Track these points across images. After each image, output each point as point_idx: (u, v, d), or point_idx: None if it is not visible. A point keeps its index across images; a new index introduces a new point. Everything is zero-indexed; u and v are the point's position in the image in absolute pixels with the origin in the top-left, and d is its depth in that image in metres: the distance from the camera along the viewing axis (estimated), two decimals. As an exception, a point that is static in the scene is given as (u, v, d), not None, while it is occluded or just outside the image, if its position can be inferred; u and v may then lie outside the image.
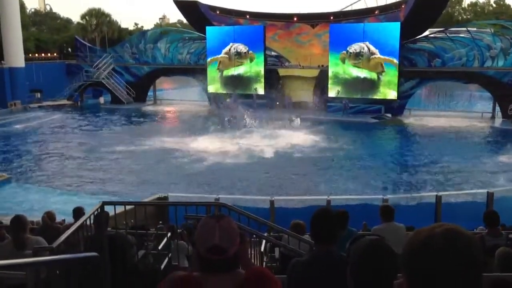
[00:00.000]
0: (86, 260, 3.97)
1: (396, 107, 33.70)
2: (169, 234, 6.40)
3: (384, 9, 35.99)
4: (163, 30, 45.81)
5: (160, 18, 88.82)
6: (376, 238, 1.95)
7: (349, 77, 34.01)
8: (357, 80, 33.75)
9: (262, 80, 36.68)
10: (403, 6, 34.14)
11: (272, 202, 14.24)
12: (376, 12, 35.75)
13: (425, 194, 15.32)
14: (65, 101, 40.87)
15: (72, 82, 41.76)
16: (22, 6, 44.97)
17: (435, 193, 13.74)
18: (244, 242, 2.23)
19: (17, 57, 39.08)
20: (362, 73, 33.57)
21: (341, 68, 34.10)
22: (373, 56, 32.96)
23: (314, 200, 15.13)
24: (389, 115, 33.49)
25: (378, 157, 22.98)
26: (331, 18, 36.46)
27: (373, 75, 33.36)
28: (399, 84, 33.22)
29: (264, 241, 6.21)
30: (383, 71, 33.02)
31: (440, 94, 40.11)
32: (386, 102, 33.63)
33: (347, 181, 19.33)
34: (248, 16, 38.68)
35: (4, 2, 38.10)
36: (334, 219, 2.94)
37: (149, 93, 43.48)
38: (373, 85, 33.53)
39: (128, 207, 6.27)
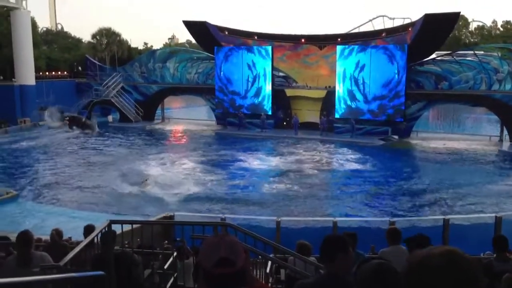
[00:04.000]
0: (93, 279, 3.99)
1: (403, 129, 33.69)
2: (175, 254, 6.41)
3: (391, 31, 36.23)
4: (172, 49, 46.37)
5: (169, 38, 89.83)
6: (382, 262, 1.96)
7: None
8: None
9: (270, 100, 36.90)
10: (410, 29, 34.38)
11: (278, 223, 14.21)
12: (383, 35, 36.00)
13: (433, 218, 15.24)
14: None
15: (81, 100, 42.18)
16: (34, 25, 45.65)
17: (442, 217, 13.66)
18: (247, 256, 2.21)
19: (28, 75, 39.64)
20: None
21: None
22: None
23: (320, 221, 15.11)
24: (396, 137, 33.47)
25: (384, 179, 22.92)
26: (339, 39, 36.74)
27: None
28: (406, 106, 33.30)
29: (269, 262, 6.19)
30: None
31: (447, 116, 40.10)
32: (393, 124, 33.66)
33: (352, 202, 19.28)
34: (256, 37, 39.06)
35: (17, 21, 38.81)
36: (342, 242, 2.95)
37: (157, 112, 43.80)
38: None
39: (135, 225, 6.28)
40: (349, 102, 34.56)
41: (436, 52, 35.73)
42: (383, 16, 40.76)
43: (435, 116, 41.91)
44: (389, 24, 38.96)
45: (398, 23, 37.68)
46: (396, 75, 33.07)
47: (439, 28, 31.32)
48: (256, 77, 37.12)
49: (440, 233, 12.67)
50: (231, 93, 38.07)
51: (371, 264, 1.91)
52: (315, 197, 20.16)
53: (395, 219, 14.13)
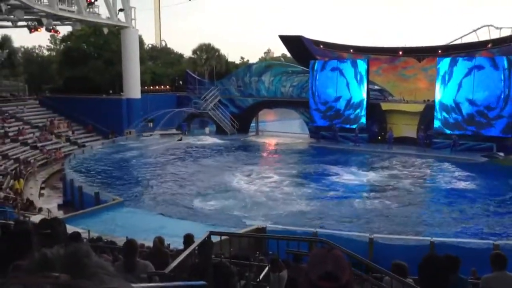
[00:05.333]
0: (195, 288, 4.21)
1: (510, 146, 31.36)
2: (268, 266, 6.54)
3: (497, 42, 34.05)
4: (267, 63, 47.33)
5: (265, 52, 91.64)
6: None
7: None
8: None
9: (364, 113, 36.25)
10: (519, 39, 32.13)
11: (371, 240, 13.90)
12: (489, 46, 33.95)
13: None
14: (174, 131, 43.38)
15: (181, 113, 44.34)
16: (141, 43, 48.95)
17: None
18: (351, 273, 2.26)
19: (134, 89, 42.48)
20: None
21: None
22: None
23: (416, 240, 14.55)
24: (502, 154, 31.21)
25: (488, 199, 21.50)
26: (439, 51, 35.25)
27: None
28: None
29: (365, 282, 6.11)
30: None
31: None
32: (498, 140, 31.47)
33: (452, 222, 18.31)
34: (351, 50, 38.68)
35: (126, 39, 41.80)
36: (445, 268, 2.87)
37: (251, 125, 44.79)
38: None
39: (224, 236, 6.49)
40: (449, 116, 32.91)
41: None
42: (488, 25, 38.37)
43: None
44: (495, 34, 36.59)
45: (505, 33, 35.25)
46: (503, 89, 30.98)
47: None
48: (351, 90, 36.65)
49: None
50: (325, 106, 37.92)
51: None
52: (410, 214, 19.44)
53: (499, 241, 13.22)
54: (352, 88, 36.51)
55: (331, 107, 37.65)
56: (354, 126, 36.29)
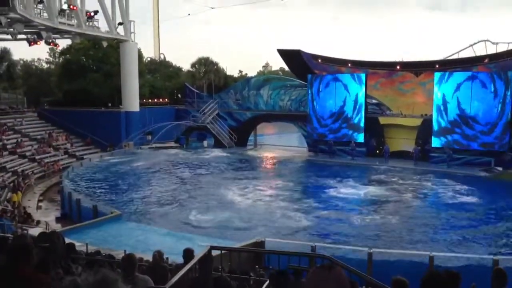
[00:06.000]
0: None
1: (507, 160, 31.45)
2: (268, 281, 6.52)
3: (495, 57, 34.27)
4: (266, 77, 47.55)
5: (263, 66, 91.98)
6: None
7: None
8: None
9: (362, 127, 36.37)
10: (516, 54, 32.36)
11: (370, 255, 13.88)
12: (486, 61, 34.17)
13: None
14: (172, 144, 43.42)
15: (180, 126, 44.44)
16: (140, 56, 49.14)
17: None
18: None
19: (133, 102, 42.61)
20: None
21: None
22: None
23: (415, 255, 14.51)
24: (500, 168, 31.28)
25: (488, 213, 21.51)
26: (437, 66, 35.49)
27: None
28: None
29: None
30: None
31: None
32: (496, 154, 31.58)
33: (450, 236, 18.28)
34: (350, 64, 38.91)
35: (125, 52, 41.98)
36: (446, 285, 2.87)
37: (250, 138, 44.86)
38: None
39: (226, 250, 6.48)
40: (447, 131, 33.03)
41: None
42: (485, 40, 38.65)
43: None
44: (492, 50, 36.84)
45: (502, 48, 35.48)
46: (500, 104, 31.17)
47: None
48: (348, 104, 36.82)
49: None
50: (323, 120, 38.04)
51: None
52: (408, 229, 19.41)
53: (499, 257, 13.21)
54: (350, 102, 36.67)
55: (328, 120, 37.75)
56: (351, 140, 36.37)
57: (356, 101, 36.42)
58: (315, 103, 38.33)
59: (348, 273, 5.40)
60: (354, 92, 36.51)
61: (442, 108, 33.10)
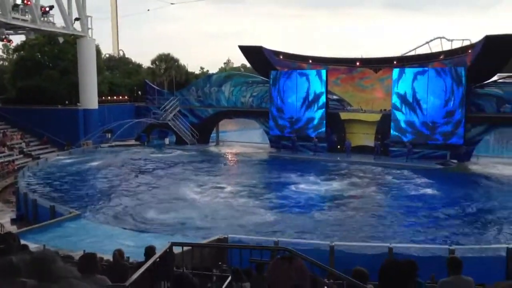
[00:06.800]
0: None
1: (462, 153, 32.56)
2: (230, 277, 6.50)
3: (449, 53, 35.36)
4: (227, 74, 47.41)
5: (224, 63, 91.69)
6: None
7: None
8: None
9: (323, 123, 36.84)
10: (469, 51, 33.46)
11: (332, 248, 14.05)
12: (441, 57, 35.20)
13: (495, 246, 14.55)
14: (132, 142, 42.74)
15: (140, 123, 43.78)
16: (98, 52, 48.04)
17: (505, 245, 13.02)
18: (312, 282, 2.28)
19: (91, 100, 41.67)
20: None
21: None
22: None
23: (375, 247, 14.79)
24: (455, 161, 32.36)
25: (443, 205, 22.17)
26: (395, 62, 36.29)
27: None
28: (466, 130, 32.27)
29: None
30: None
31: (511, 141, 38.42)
32: (452, 147, 32.63)
33: (410, 228, 18.76)
34: (311, 61, 39.26)
35: (82, 48, 41.01)
36: (403, 271, 2.91)
37: (212, 135, 44.67)
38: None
39: (187, 248, 6.41)
40: (405, 125, 33.88)
41: (498, 74, 34.47)
42: (441, 37, 39.76)
43: (498, 140, 40.19)
44: (447, 46, 37.96)
45: (456, 45, 36.63)
46: (455, 98, 32.19)
47: (501, 50, 30.29)
48: (310, 100, 37.21)
49: (503, 264, 12.08)
50: (285, 116, 38.30)
51: None
52: (369, 222, 19.79)
53: (455, 246, 13.63)
54: (312, 98, 37.06)
55: (290, 116, 38.04)
56: (313, 135, 36.79)
57: (317, 97, 36.88)
58: (277, 99, 38.53)
59: (310, 265, 5.42)
60: (315, 88, 36.95)
61: (399, 103, 33.93)
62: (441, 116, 32.66)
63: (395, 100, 34.03)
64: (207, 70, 76.14)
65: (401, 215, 20.83)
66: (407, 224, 19.52)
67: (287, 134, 38.01)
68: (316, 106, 37.02)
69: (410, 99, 33.50)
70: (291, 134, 37.70)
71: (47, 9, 37.40)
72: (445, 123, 32.59)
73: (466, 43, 35.94)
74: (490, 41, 30.46)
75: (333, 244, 14.16)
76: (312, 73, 37.33)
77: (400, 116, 33.98)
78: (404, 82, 33.71)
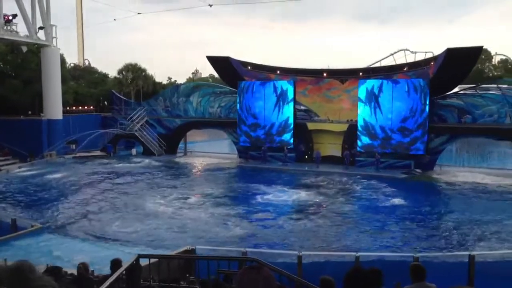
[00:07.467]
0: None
1: (426, 163, 33.38)
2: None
3: (413, 65, 36.37)
4: (195, 84, 47.30)
5: (192, 73, 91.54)
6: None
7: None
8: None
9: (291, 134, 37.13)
10: (432, 63, 34.47)
11: (300, 258, 14.09)
12: (405, 69, 36.15)
13: (458, 253, 14.90)
14: (98, 152, 42.00)
15: (107, 134, 43.09)
16: (63, 61, 47.16)
17: (468, 253, 13.35)
18: None
19: (55, 110, 40.72)
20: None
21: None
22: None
23: (342, 256, 14.92)
24: (419, 170, 33.13)
25: (407, 213, 22.60)
26: (360, 74, 37.00)
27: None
28: (429, 140, 33.11)
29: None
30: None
31: (472, 150, 39.59)
32: (416, 157, 33.40)
33: (375, 236, 19.02)
34: (278, 72, 39.63)
35: (46, 58, 40.16)
36: (368, 280, 2.96)
37: (180, 145, 44.36)
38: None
39: (152, 260, 6.35)
40: (371, 136, 34.50)
41: (459, 86, 35.63)
42: (404, 50, 40.95)
43: (460, 150, 41.42)
44: (410, 58, 39.11)
45: (420, 57, 37.77)
46: (419, 109, 33.00)
47: (462, 62, 31.35)
48: (278, 110, 37.47)
49: (465, 270, 12.38)
50: (253, 126, 38.44)
51: None
52: (337, 231, 19.96)
53: (419, 254, 13.88)
54: (279, 109, 37.34)
55: (258, 127, 38.18)
56: (282, 145, 37.00)
57: (285, 107, 37.17)
58: (244, 110, 38.65)
59: (278, 275, 5.44)
60: (283, 98, 37.25)
61: (365, 114, 34.54)
62: (405, 127, 33.40)
63: (361, 110, 34.63)
64: (175, 80, 75.91)
65: (368, 223, 21.11)
66: (373, 232, 19.78)
67: (256, 144, 38.10)
68: (283, 116, 37.30)
69: (375, 110, 34.16)
70: (260, 144, 37.81)
71: (10, 17, 36.54)
72: (409, 133, 33.34)
73: (429, 55, 37.15)
74: (451, 53, 31.45)
75: (301, 254, 14.21)
76: (280, 83, 37.65)
77: (365, 126, 34.58)
78: (369, 93, 34.37)
